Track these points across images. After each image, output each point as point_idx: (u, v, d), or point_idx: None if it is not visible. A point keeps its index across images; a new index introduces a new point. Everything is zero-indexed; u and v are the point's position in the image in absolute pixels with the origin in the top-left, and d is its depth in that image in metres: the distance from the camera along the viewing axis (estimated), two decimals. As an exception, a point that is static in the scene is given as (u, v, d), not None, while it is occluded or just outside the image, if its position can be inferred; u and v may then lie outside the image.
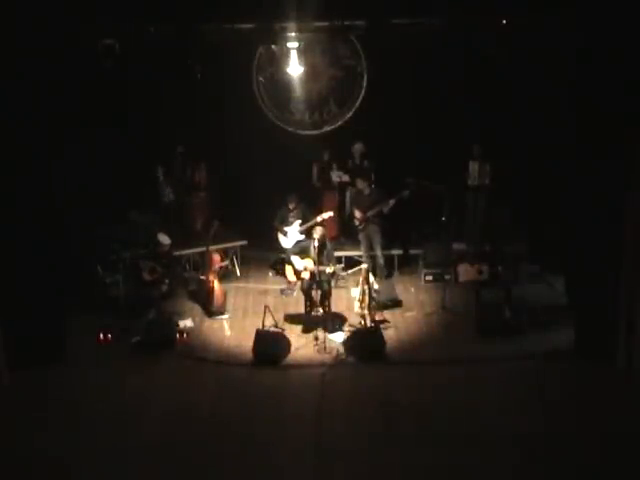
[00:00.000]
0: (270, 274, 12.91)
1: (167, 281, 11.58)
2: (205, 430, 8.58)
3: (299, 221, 12.26)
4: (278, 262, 12.67)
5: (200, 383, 9.68)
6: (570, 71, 9.64)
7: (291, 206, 12.30)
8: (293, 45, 11.27)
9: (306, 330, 10.86)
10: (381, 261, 12.40)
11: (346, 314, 11.27)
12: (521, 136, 11.96)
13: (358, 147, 13.09)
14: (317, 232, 11.03)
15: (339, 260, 12.23)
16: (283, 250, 12.34)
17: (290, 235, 12.32)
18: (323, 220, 11.79)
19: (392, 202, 12.04)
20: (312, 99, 13.40)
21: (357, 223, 12.33)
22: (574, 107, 9.65)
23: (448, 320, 11.19)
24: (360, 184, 12.36)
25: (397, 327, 11.00)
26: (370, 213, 12.17)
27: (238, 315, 11.58)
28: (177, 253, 12.41)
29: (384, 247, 12.44)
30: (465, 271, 12.05)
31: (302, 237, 12.19)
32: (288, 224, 12.33)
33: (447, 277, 12.10)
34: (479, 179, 12.60)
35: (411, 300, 11.88)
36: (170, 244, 11.72)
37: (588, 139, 9.41)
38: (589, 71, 9.26)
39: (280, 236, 12.39)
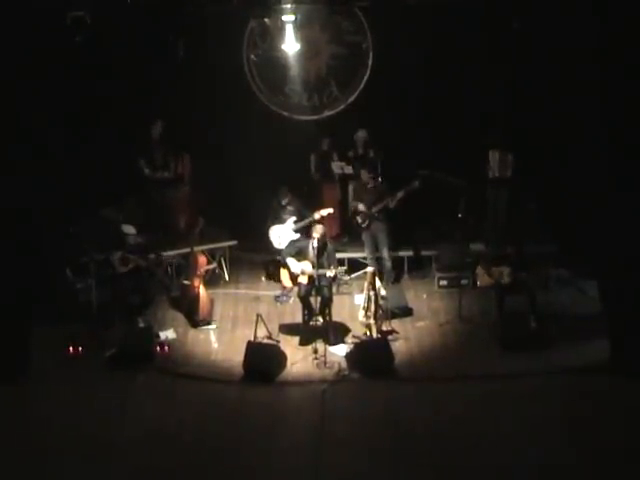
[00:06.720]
0: (263, 279, 12.92)
1: (146, 270, 11.70)
2: (188, 456, 8.51)
3: (293, 218, 12.32)
4: (272, 265, 12.65)
5: (183, 403, 9.65)
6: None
7: (284, 202, 12.35)
8: (289, 18, 11.33)
9: (304, 342, 10.89)
10: (388, 264, 12.43)
11: (349, 324, 11.30)
12: (549, 121, 11.56)
13: (362, 135, 13.10)
14: (317, 231, 10.99)
15: (341, 262, 12.09)
16: (277, 251, 12.29)
17: (283, 234, 12.34)
18: (321, 217, 11.81)
19: (400, 194, 12.10)
20: (310, 80, 13.44)
21: (360, 221, 12.34)
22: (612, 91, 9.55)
23: (465, 331, 11.24)
24: (364, 176, 12.43)
25: (407, 339, 11.05)
26: (375, 209, 12.20)
27: (227, 325, 11.61)
28: (158, 254, 12.31)
29: (391, 248, 12.45)
30: (484, 275, 11.88)
31: (297, 237, 12.19)
32: (281, 222, 12.36)
33: (464, 282, 12.15)
34: (500, 170, 12.64)
35: (423, 308, 11.92)
36: (136, 234, 11.75)
37: (626, 129, 9.37)
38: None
39: (272, 235, 12.41)
